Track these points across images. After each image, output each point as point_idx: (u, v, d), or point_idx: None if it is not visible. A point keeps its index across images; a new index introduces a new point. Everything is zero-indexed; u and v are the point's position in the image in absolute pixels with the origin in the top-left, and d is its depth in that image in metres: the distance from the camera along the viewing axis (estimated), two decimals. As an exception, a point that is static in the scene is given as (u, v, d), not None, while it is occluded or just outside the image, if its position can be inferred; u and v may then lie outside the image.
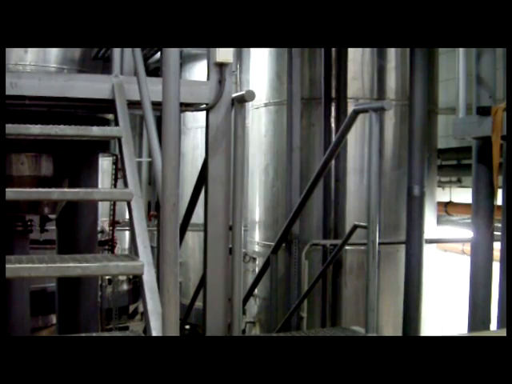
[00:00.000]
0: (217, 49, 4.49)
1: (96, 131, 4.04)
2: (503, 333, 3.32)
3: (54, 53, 4.97)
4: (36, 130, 3.81)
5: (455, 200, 10.97)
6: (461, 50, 5.50)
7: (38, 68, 4.84)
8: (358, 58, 7.74)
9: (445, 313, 11.22)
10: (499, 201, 5.54)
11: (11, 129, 3.71)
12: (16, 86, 4.07)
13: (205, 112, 4.64)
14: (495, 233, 5.76)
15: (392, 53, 7.80)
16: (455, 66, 5.56)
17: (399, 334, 6.59)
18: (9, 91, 4.02)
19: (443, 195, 10.90)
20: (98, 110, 4.84)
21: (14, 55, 4.85)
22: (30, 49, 4.86)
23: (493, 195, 5.54)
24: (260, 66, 8.67)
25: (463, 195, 10.34)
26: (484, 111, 5.25)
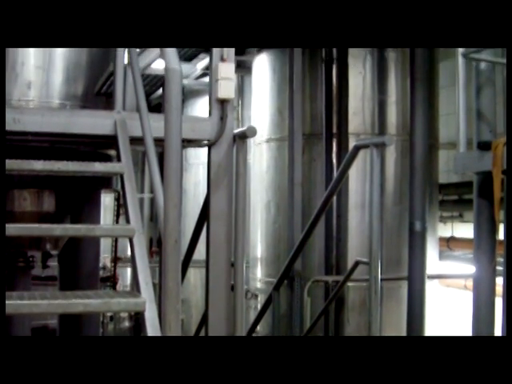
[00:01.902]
0: (218, 85, 4.52)
1: (98, 167, 4.05)
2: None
3: (56, 88, 4.99)
4: (39, 165, 3.82)
5: (457, 235, 10.94)
6: (461, 84, 5.52)
7: (41, 103, 4.86)
8: (358, 94, 7.79)
9: (448, 349, 11.13)
10: (501, 235, 5.53)
11: (14, 164, 3.72)
12: (19, 122, 4.09)
13: (207, 148, 4.66)
14: (497, 268, 5.74)
15: (392, 87, 7.86)
16: (455, 101, 5.58)
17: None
18: (12, 127, 4.03)
19: (445, 230, 10.87)
20: (100, 146, 4.86)
21: (17, 91, 4.87)
22: (32, 84, 4.88)
23: (494, 230, 5.53)
24: (261, 102, 8.72)
25: (465, 230, 10.32)
26: (484, 146, 5.26)
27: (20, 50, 4.90)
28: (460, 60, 5.53)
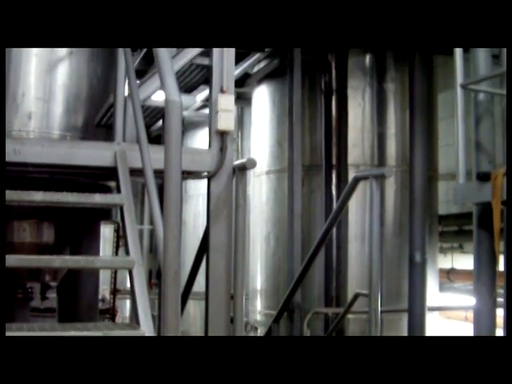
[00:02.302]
0: (218, 116, 4.54)
1: (98, 199, 4.05)
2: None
3: (57, 119, 5.01)
4: (38, 196, 3.82)
5: (457, 266, 10.92)
6: (459, 115, 5.54)
7: (42, 134, 4.87)
8: (358, 125, 7.82)
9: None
10: (501, 266, 5.52)
11: (13, 195, 3.73)
12: (19, 153, 4.10)
13: (206, 180, 4.66)
14: (498, 299, 5.71)
15: (392, 119, 7.88)
16: (454, 132, 5.60)
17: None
18: (12, 158, 4.04)
19: (445, 261, 10.85)
20: (100, 178, 4.86)
21: (18, 121, 4.89)
22: (33, 115, 4.90)
23: (494, 261, 5.52)
24: (261, 134, 8.75)
25: (465, 261, 10.30)
26: (484, 177, 5.26)
27: (21, 80, 4.93)
28: (458, 91, 5.56)
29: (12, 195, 3.70)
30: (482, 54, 5.97)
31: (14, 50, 4.94)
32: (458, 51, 5.65)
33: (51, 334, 3.30)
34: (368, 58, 7.97)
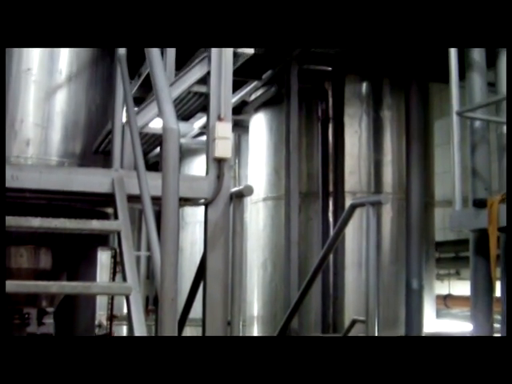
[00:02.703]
0: (215, 144, 4.56)
1: (95, 225, 4.06)
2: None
3: (55, 146, 5.03)
4: (36, 222, 3.83)
5: (454, 292, 10.92)
6: (455, 142, 5.58)
7: (40, 161, 4.89)
8: (354, 152, 7.84)
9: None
10: (498, 293, 5.53)
11: (11, 221, 3.73)
12: (17, 179, 4.11)
13: (203, 206, 4.67)
14: (495, 325, 5.71)
15: (388, 146, 7.92)
16: (450, 159, 5.63)
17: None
18: (10, 184, 4.06)
19: (442, 288, 10.85)
20: (97, 204, 4.87)
21: (16, 148, 4.91)
22: (31, 142, 4.92)
23: (491, 287, 5.53)
24: (258, 161, 8.77)
25: (462, 287, 10.30)
26: (480, 203, 5.29)
27: (20, 107, 4.96)
28: (454, 118, 5.60)
29: (10, 221, 3.71)
30: (477, 82, 6.02)
31: (13, 76, 4.98)
32: (454, 79, 5.69)
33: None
34: (364, 86, 8.01)
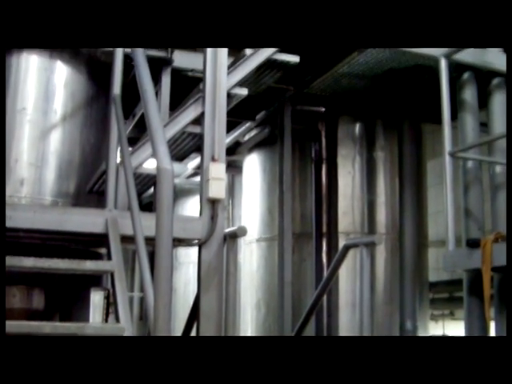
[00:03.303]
0: (209, 185, 4.57)
1: (89, 265, 4.05)
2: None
3: (49, 185, 5.04)
4: (29, 262, 3.83)
5: (448, 333, 10.88)
6: (448, 182, 5.60)
7: (34, 200, 4.89)
8: (348, 193, 7.85)
9: None
10: (492, 333, 5.51)
11: (6, 261, 3.72)
12: (11, 219, 4.11)
13: (197, 247, 4.67)
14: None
15: (381, 187, 7.93)
16: (443, 199, 5.66)
17: None
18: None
19: (436, 328, 10.81)
20: (91, 244, 4.87)
21: (10, 187, 4.91)
22: (25, 181, 4.93)
23: (485, 327, 5.51)
24: (252, 202, 8.77)
25: (456, 328, 10.26)
26: (473, 243, 5.30)
27: (14, 146, 4.97)
28: (447, 159, 5.63)
29: (3, 261, 3.70)
30: (469, 122, 6.08)
31: (8, 115, 5.00)
32: (446, 119, 5.74)
33: None
34: (358, 127, 8.05)
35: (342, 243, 6.31)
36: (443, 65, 5.84)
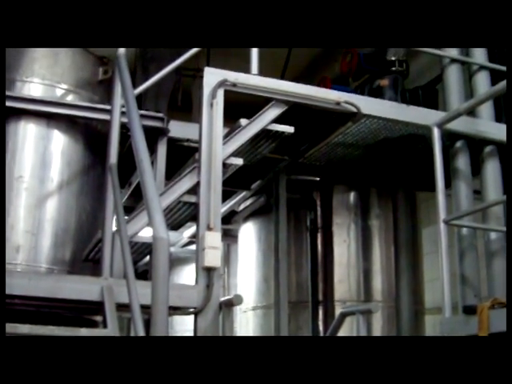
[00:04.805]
0: (205, 253, 4.59)
1: (84, 333, 4.03)
2: None
3: (44, 252, 5.05)
4: (25, 329, 3.80)
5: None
6: (443, 250, 5.62)
7: (29, 267, 4.89)
8: (343, 261, 7.85)
9: None
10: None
11: (0, 327, 3.72)
12: (6, 286, 4.10)
13: (193, 315, 4.66)
14: None
15: (377, 255, 7.93)
16: (439, 266, 5.67)
17: None
18: (-2, 291, 4.05)
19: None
20: (86, 312, 4.85)
21: (6, 254, 4.91)
22: (21, 248, 4.94)
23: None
24: (247, 270, 8.76)
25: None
26: (470, 310, 5.29)
27: (11, 213, 5.00)
28: (441, 226, 5.66)
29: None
30: (463, 190, 6.13)
31: (6, 183, 5.04)
32: (440, 187, 5.79)
33: None
34: (352, 196, 8.10)
35: (338, 311, 6.29)
36: (436, 134, 5.91)
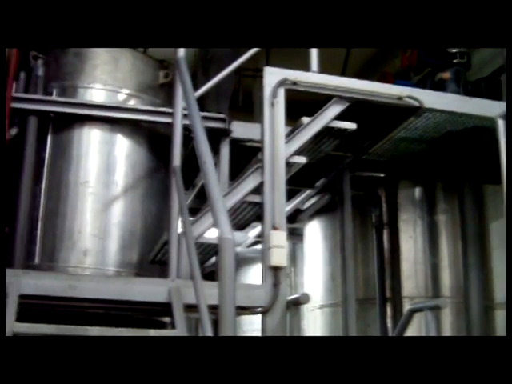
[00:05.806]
0: (271, 253, 4.59)
1: (153, 334, 4.07)
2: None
3: (112, 256, 5.12)
4: (94, 332, 3.87)
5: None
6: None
7: (97, 271, 4.96)
8: (410, 257, 7.78)
9: None
10: None
11: (71, 330, 3.77)
12: (75, 289, 4.17)
13: (260, 315, 4.66)
14: None
15: (444, 250, 7.83)
16: (509, 260, 5.57)
17: None
18: (68, 293, 4.12)
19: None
20: (154, 313, 4.90)
21: (74, 258, 5.00)
22: (89, 252, 5.01)
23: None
24: (314, 269, 8.74)
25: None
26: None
27: (77, 218, 5.08)
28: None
29: (68, 330, 3.75)
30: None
31: (71, 188, 5.12)
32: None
33: None
34: (418, 191, 8.02)
35: (406, 308, 6.23)
36: (501, 125, 5.82)
